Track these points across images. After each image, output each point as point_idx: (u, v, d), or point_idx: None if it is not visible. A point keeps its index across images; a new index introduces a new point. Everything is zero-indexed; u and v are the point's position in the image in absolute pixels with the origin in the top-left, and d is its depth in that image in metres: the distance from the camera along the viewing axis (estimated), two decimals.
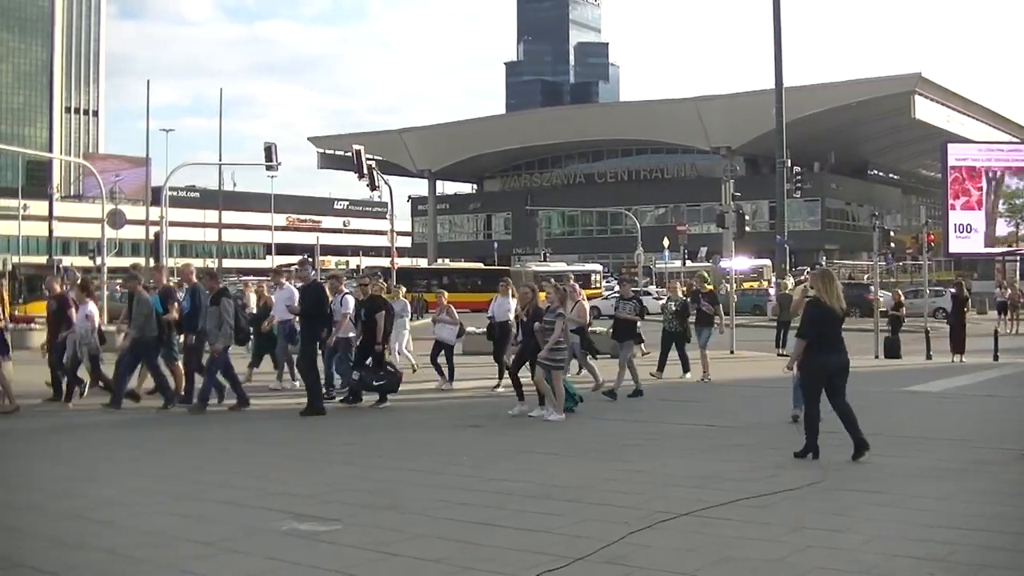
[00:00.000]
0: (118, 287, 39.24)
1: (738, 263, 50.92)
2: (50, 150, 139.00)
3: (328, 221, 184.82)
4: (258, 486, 11.61)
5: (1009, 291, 50.40)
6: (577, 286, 23.03)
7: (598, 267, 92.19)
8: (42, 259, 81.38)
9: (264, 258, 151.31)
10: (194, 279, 19.71)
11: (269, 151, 50.23)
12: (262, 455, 14.17)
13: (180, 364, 19.58)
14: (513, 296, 22.05)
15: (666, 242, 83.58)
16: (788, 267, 40.30)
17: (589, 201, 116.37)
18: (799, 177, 48.79)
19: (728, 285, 39.25)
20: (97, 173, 52.42)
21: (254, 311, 23.35)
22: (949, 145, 64.15)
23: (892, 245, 50.58)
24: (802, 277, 36.31)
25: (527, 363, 18.06)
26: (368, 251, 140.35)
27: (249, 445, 15.17)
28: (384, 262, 67.54)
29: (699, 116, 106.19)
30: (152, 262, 54.26)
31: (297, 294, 22.65)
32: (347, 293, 21.10)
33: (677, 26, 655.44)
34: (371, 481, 11.88)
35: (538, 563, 7.98)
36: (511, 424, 16.96)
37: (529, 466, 12.90)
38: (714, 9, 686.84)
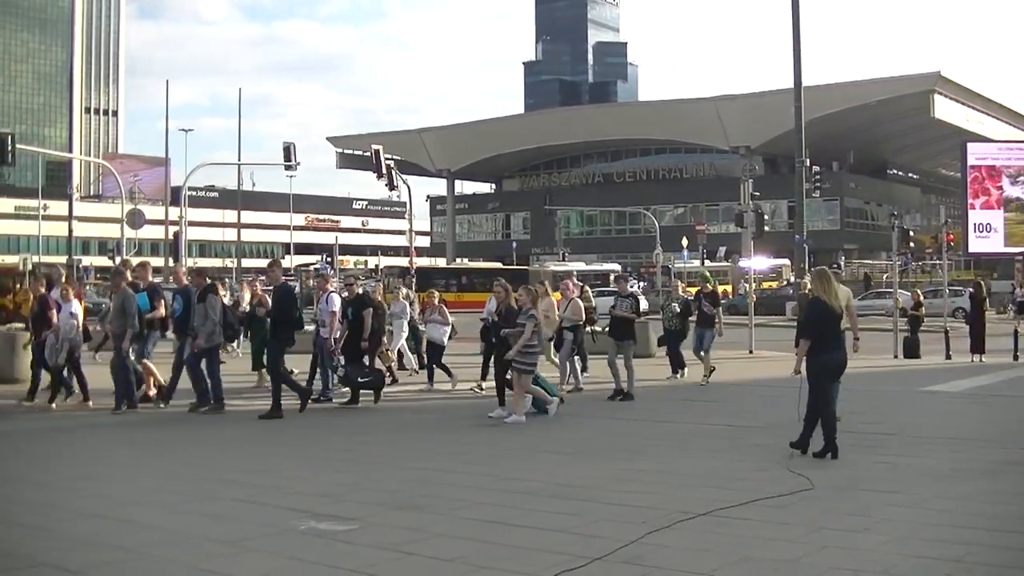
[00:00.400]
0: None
1: (757, 263, 50.77)
2: (70, 150, 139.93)
3: (347, 221, 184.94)
4: (275, 485, 11.65)
5: None
6: (571, 284, 22.66)
7: (617, 267, 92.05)
8: (62, 259, 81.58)
9: (283, 258, 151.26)
10: (185, 281, 19.64)
11: (288, 151, 50.27)
12: (278, 454, 14.19)
13: (147, 361, 19.44)
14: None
15: (685, 242, 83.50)
16: (807, 267, 40.07)
17: (608, 201, 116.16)
18: (818, 176, 48.82)
19: (748, 285, 39.21)
20: (117, 174, 52.58)
21: (247, 308, 23.27)
22: (968, 144, 63.72)
23: (911, 245, 50.32)
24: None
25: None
26: (387, 251, 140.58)
27: (265, 444, 15.19)
28: (403, 262, 67.62)
29: (718, 115, 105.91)
30: (171, 262, 54.43)
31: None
32: (332, 292, 20.99)
33: (695, 25, 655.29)
34: (389, 480, 11.90)
35: (556, 563, 7.99)
36: (527, 424, 16.92)
37: (546, 465, 12.92)
38: (733, 9, 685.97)
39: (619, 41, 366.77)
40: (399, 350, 25.15)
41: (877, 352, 31.11)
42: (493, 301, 21.34)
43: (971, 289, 34.15)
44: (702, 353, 23.36)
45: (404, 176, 51.29)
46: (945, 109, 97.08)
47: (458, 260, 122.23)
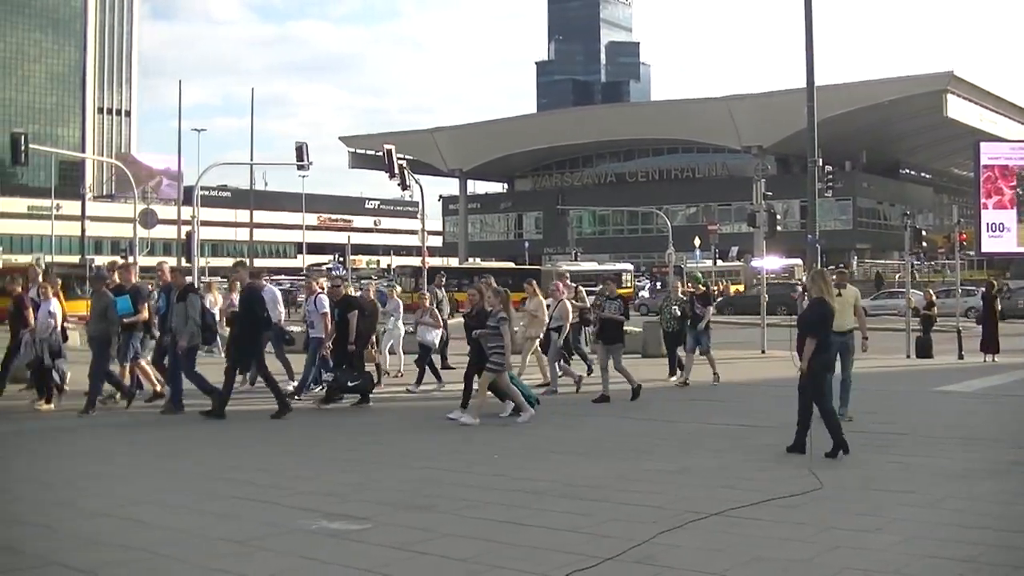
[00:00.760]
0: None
1: (769, 262, 50.68)
2: (83, 150, 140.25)
3: (359, 220, 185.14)
4: (282, 484, 11.66)
5: None
6: (561, 285, 22.51)
7: (629, 266, 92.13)
8: (75, 258, 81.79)
9: (295, 257, 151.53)
10: (169, 278, 19.33)
11: (300, 150, 50.21)
12: (283, 454, 14.18)
13: (143, 363, 19.43)
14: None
15: (697, 241, 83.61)
16: (819, 267, 40.05)
17: (620, 200, 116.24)
18: (830, 176, 48.52)
19: (760, 285, 39.15)
20: (134, 176, 52.68)
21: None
22: (981, 144, 63.53)
23: (924, 244, 50.16)
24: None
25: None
26: (399, 250, 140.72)
27: (270, 445, 15.18)
28: (415, 261, 67.62)
29: (730, 115, 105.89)
30: (185, 262, 54.51)
31: (279, 294, 22.62)
32: (320, 294, 20.92)
33: (708, 25, 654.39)
34: (396, 480, 11.91)
35: (567, 563, 7.99)
36: (539, 423, 16.95)
37: (556, 465, 12.91)
38: (745, 8, 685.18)
39: (632, 41, 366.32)
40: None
41: (889, 352, 31.08)
42: None
43: (983, 289, 34.10)
44: (697, 353, 22.98)
45: (416, 176, 51.25)
46: (958, 108, 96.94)
47: (470, 260, 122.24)
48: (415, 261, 67.63)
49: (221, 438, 15.84)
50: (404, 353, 24.89)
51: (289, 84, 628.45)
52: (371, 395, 19.66)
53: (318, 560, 8.33)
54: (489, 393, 17.37)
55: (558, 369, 21.85)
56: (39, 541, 9.12)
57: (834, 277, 17.22)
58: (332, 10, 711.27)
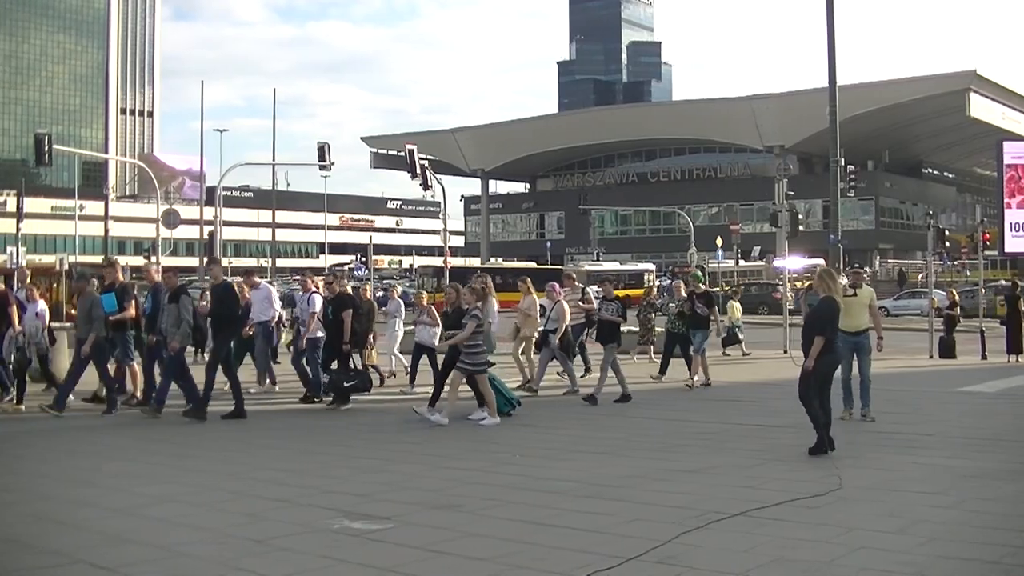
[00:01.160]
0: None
1: (792, 262, 50.64)
2: (106, 151, 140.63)
3: (381, 220, 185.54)
4: (306, 484, 11.67)
5: None
6: (557, 285, 22.39)
7: (651, 266, 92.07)
8: (98, 258, 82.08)
9: (317, 257, 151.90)
10: (156, 278, 19.21)
11: (322, 151, 50.38)
12: (306, 454, 14.20)
13: (135, 365, 19.24)
14: (493, 297, 21.77)
15: (719, 241, 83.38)
16: (842, 267, 39.88)
17: (642, 200, 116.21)
18: (853, 176, 48.45)
19: (782, 285, 39.06)
20: (157, 176, 52.82)
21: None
22: (1005, 143, 63.18)
23: (947, 244, 50.05)
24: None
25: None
26: (421, 250, 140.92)
27: (293, 444, 15.17)
28: (437, 261, 67.73)
29: (752, 115, 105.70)
30: (207, 262, 54.69)
31: (275, 293, 22.49)
32: (314, 292, 20.84)
33: (729, 25, 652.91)
34: (422, 479, 11.90)
35: (589, 563, 7.98)
36: (560, 423, 16.96)
37: (578, 465, 12.90)
38: (767, 8, 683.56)
39: (653, 41, 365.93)
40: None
41: (913, 352, 30.97)
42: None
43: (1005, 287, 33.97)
44: (691, 353, 22.81)
45: (438, 176, 51.28)
46: (981, 107, 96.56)
47: (492, 260, 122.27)
48: (437, 261, 67.74)
49: (244, 439, 15.82)
50: (400, 354, 24.62)
51: (310, 84, 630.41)
52: (368, 395, 19.49)
53: (339, 560, 8.33)
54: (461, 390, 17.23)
55: (544, 369, 21.68)
56: (64, 538, 9.16)
57: (846, 277, 17.21)
58: (353, 10, 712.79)
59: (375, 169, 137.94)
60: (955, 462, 12.87)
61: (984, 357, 31.14)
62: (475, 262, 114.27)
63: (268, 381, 21.81)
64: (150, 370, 18.49)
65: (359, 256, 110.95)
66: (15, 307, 19.06)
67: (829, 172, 45.81)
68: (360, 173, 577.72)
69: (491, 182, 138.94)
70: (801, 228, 39.70)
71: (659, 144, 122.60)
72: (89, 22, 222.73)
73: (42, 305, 19.26)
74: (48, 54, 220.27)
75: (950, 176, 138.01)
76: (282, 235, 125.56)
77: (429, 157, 53.00)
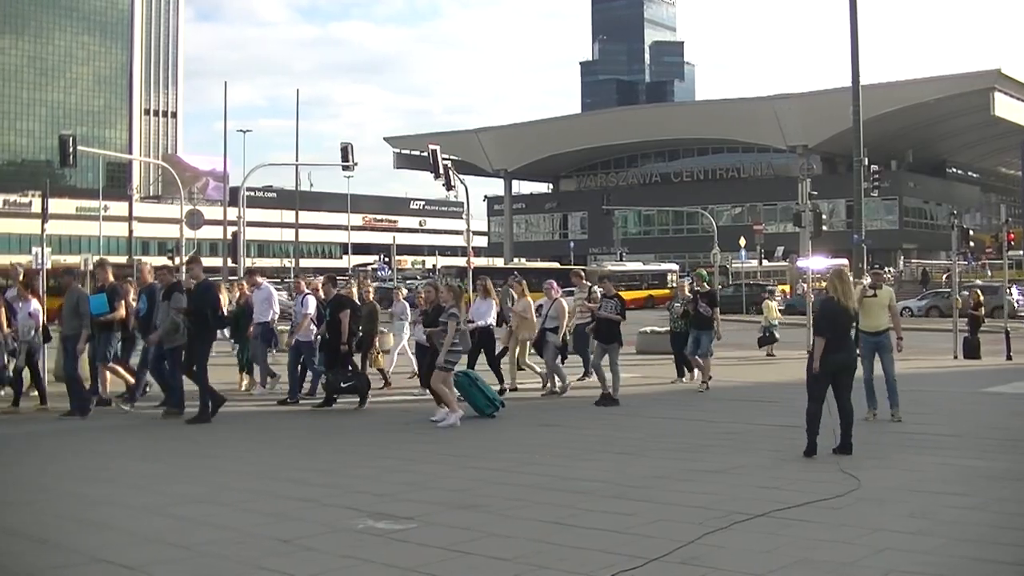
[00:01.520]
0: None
1: (815, 262, 50.49)
2: (130, 152, 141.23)
3: (404, 221, 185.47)
4: (330, 484, 11.72)
5: None
6: (555, 283, 22.38)
7: (674, 266, 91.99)
8: (123, 259, 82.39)
9: (340, 258, 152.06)
10: (149, 279, 19.03)
11: (345, 151, 50.42)
12: (331, 453, 14.28)
13: (115, 365, 19.01)
14: (494, 299, 21.78)
15: (742, 241, 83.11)
16: (865, 266, 39.79)
17: (665, 200, 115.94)
18: (876, 176, 48.42)
19: (804, 285, 38.98)
20: (180, 177, 52.97)
21: (232, 308, 22.63)
22: None
23: (971, 244, 49.87)
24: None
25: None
26: (444, 251, 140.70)
27: (318, 444, 15.26)
28: (460, 262, 67.78)
29: (775, 115, 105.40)
30: (231, 262, 54.82)
31: (275, 294, 22.43)
32: (307, 294, 20.80)
33: (752, 25, 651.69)
34: (444, 479, 11.94)
35: (612, 563, 7.99)
36: (584, 424, 16.96)
37: (601, 465, 12.90)
38: (790, 7, 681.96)
39: (676, 40, 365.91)
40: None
41: (937, 353, 30.86)
42: (480, 303, 21.14)
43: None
44: (697, 357, 22.58)
45: (461, 176, 51.37)
46: (1005, 107, 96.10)
47: (516, 260, 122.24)
48: (460, 261, 67.79)
49: (267, 438, 15.90)
50: (399, 355, 24.33)
51: (333, 85, 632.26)
52: (367, 399, 19.39)
53: (362, 559, 8.35)
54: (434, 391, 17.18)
55: (558, 370, 21.67)
56: (89, 538, 9.21)
57: (867, 279, 17.16)
58: (376, 11, 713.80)
59: (398, 169, 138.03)
60: (979, 463, 12.82)
61: (1009, 358, 31.02)
62: (498, 262, 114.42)
63: (270, 379, 21.87)
64: (158, 369, 18.41)
65: (382, 256, 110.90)
66: (4, 309, 18.68)
67: (853, 172, 45.83)
68: (383, 173, 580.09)
69: (514, 182, 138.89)
70: (824, 228, 39.63)
71: (682, 144, 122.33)
72: (113, 23, 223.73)
73: (35, 304, 19.11)
74: (72, 55, 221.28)
75: (974, 176, 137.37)
76: (305, 235, 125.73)
77: (452, 157, 53.11)
